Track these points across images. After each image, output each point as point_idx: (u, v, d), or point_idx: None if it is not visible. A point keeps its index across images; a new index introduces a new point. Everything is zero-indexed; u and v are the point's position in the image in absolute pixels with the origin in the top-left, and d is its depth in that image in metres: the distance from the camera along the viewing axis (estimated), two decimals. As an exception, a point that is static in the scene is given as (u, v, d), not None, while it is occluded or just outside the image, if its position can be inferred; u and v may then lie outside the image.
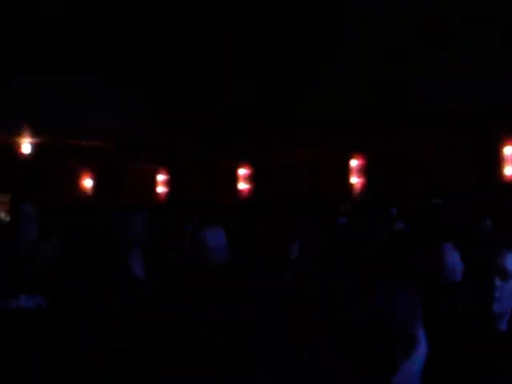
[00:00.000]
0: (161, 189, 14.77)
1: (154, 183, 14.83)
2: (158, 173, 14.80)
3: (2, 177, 13.80)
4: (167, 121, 13.67)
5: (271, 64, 12.70)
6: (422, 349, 2.69)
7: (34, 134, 13.59)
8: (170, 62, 13.32)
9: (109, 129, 13.64)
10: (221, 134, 13.28)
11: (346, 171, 13.28)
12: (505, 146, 11.98)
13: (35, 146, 14.01)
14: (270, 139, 13.05)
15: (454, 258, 3.54)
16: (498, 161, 12.09)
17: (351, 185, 13.29)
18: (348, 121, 12.34)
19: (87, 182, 15.01)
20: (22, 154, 13.94)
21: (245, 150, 13.52)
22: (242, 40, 12.84)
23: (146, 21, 12.92)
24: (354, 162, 13.18)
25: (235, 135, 13.15)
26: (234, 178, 13.80)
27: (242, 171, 13.71)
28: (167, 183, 14.71)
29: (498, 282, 3.26)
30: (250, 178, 13.63)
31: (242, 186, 13.67)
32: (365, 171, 13.21)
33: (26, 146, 13.90)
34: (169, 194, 14.63)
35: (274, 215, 6.57)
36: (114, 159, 14.92)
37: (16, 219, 6.62)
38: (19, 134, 13.59)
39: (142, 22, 12.88)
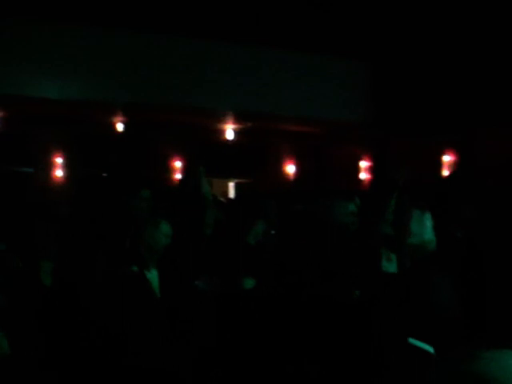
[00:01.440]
0: (364, 175, 14.32)
1: (356, 170, 14.40)
2: (362, 159, 14.35)
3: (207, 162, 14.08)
4: (387, 108, 13.12)
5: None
6: None
7: (238, 120, 13.70)
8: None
9: (322, 115, 13.34)
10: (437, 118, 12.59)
11: None
12: None
13: (239, 131, 14.13)
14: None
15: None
16: None
17: None
18: None
19: (290, 168, 14.97)
20: (226, 139, 14.13)
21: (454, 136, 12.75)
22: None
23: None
24: None
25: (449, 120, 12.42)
26: (439, 165, 13.06)
27: (447, 158, 12.97)
28: (370, 170, 14.23)
29: None
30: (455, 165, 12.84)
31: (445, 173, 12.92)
32: None
33: (229, 132, 14.05)
34: (372, 181, 14.16)
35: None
36: (321, 144, 14.71)
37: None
38: (223, 119, 13.75)
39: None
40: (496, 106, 11.76)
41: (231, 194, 16.80)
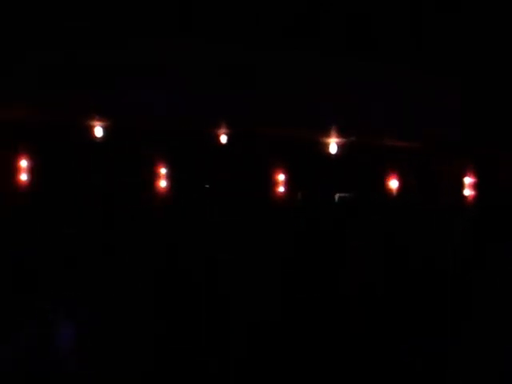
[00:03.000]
0: (467, 192, 14.10)
1: (460, 185, 14.18)
2: (466, 175, 14.13)
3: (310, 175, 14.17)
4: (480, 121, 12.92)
5: None
6: None
7: (340, 134, 13.69)
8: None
9: (421, 128, 13.19)
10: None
11: None
12: None
13: (342, 145, 14.12)
14: None
15: None
16: None
17: None
18: None
19: (392, 183, 14.86)
20: (329, 152, 14.13)
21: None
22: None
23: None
24: None
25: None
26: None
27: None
28: (474, 186, 14.00)
29: None
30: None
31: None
32: None
33: (332, 146, 14.05)
34: (477, 198, 13.94)
35: None
36: (424, 160, 14.56)
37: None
38: (327, 133, 13.77)
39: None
40: None
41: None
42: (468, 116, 13.05)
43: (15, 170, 12.89)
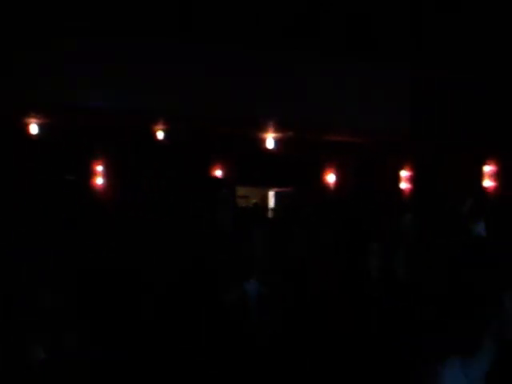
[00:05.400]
0: (404, 185, 14.29)
1: (398, 179, 14.36)
2: (402, 169, 14.32)
3: (247, 171, 14.13)
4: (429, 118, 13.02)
5: None
6: None
7: (278, 129, 13.71)
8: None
9: (361, 123, 13.26)
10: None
11: None
12: None
13: (280, 141, 14.14)
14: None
15: None
16: None
17: None
18: None
19: (331, 178, 14.95)
20: (267, 148, 14.14)
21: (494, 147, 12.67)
22: None
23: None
24: None
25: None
26: (479, 176, 12.99)
27: (487, 168, 12.91)
28: (411, 180, 14.19)
29: None
30: (495, 176, 12.76)
31: (488, 183, 12.86)
32: None
33: (270, 141, 14.06)
34: (412, 192, 14.13)
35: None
36: (362, 154, 14.67)
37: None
38: (264, 128, 13.77)
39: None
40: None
41: (271, 202, 16.84)
42: (412, 111, 13.19)
43: None
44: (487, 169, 13.26)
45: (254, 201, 14.66)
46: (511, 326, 2.51)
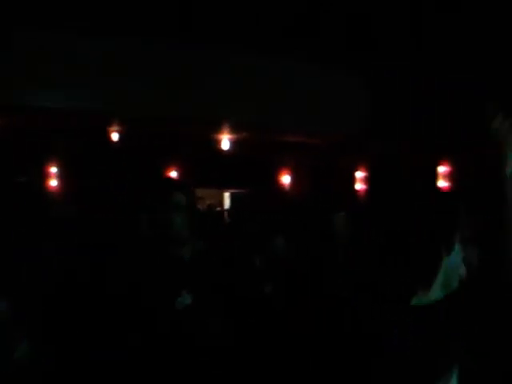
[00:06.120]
0: (359, 186, 14.36)
1: (352, 180, 14.43)
2: (357, 169, 14.39)
3: (202, 172, 14.08)
4: (384, 120, 13.07)
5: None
6: None
7: (233, 130, 13.66)
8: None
9: (317, 124, 13.25)
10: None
11: None
12: None
13: (235, 142, 14.10)
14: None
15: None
16: None
17: None
18: None
19: (285, 179, 14.98)
20: (222, 149, 14.08)
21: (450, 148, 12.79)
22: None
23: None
24: None
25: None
26: (434, 177, 13.11)
27: (442, 169, 13.05)
28: (366, 180, 14.26)
29: None
30: (450, 177, 12.90)
31: (442, 183, 12.98)
32: None
33: (225, 142, 14.01)
34: (367, 192, 14.21)
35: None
36: (318, 155, 14.71)
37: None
38: (219, 129, 13.72)
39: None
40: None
41: (226, 203, 16.82)
42: (367, 113, 13.23)
43: None
44: (441, 169, 13.40)
45: (209, 202, 14.64)
46: (456, 274, 2.67)
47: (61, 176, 13.79)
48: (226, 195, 17.00)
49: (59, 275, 5.54)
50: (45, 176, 13.75)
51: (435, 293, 2.67)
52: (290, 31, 12.32)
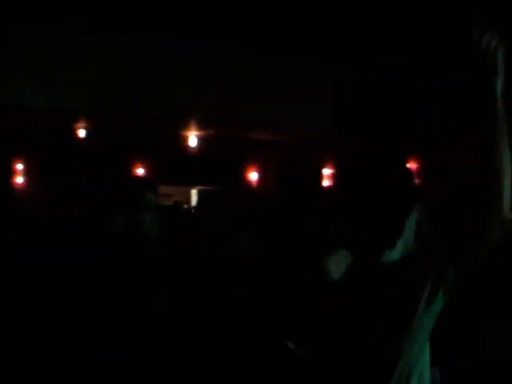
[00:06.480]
0: (327, 183, 14.42)
1: (320, 177, 14.48)
2: (325, 166, 14.44)
3: (169, 169, 14.06)
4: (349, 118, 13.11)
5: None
6: None
7: (201, 127, 13.65)
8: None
9: (284, 121, 13.25)
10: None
11: None
12: None
13: (202, 139, 14.09)
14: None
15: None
16: None
17: None
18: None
19: (253, 175, 15.00)
20: (189, 146, 14.06)
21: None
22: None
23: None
24: None
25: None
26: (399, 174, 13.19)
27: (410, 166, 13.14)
28: (333, 178, 14.32)
29: None
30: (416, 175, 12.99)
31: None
32: None
33: (192, 139, 14.00)
34: (335, 189, 14.25)
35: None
36: (285, 152, 14.74)
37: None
38: (186, 126, 13.69)
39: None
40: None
41: (193, 200, 16.80)
42: (334, 110, 13.28)
43: None
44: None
45: (175, 199, 14.61)
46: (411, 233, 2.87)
47: (29, 174, 13.70)
48: (194, 192, 16.98)
49: (28, 274, 5.52)
50: (13, 174, 13.65)
51: (398, 251, 2.83)
52: (256, 28, 12.32)
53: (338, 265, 2.93)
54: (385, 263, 2.81)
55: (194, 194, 17.10)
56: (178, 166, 14.10)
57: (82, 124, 13.17)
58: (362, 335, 2.71)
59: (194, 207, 15.16)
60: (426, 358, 2.81)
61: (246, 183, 15.27)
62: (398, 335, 2.68)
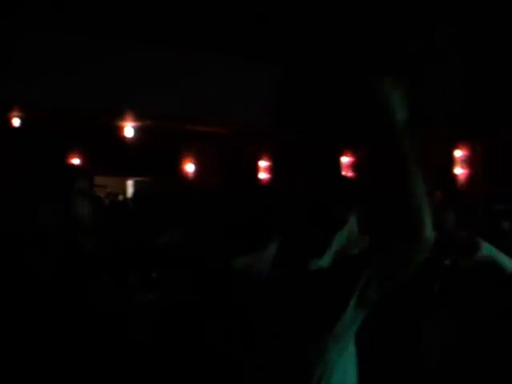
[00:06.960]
0: (263, 175, 14.50)
1: (256, 169, 14.55)
2: (261, 158, 14.51)
3: (105, 160, 13.95)
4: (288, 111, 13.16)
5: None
6: None
7: (137, 118, 13.57)
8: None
9: (221, 113, 13.27)
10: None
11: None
12: None
13: (139, 130, 14.01)
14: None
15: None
16: None
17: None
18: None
19: (189, 167, 15.00)
20: (125, 136, 13.96)
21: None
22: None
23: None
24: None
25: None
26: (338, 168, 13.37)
27: (345, 159, 13.32)
28: (270, 170, 14.41)
29: None
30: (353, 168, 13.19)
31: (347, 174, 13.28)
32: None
33: (128, 129, 13.90)
34: (271, 182, 14.36)
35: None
36: (222, 144, 14.76)
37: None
38: (122, 117, 13.60)
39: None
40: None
41: (129, 192, 16.70)
42: (271, 104, 13.32)
43: None
44: (345, 160, 13.62)
45: (109, 190, 14.47)
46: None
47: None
48: (130, 183, 16.88)
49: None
50: None
51: (327, 259, 2.78)
52: (194, 22, 12.31)
53: (262, 263, 2.93)
54: (312, 268, 2.78)
55: (130, 186, 17.00)
56: (113, 157, 14.00)
57: (17, 113, 13.01)
58: (283, 334, 2.73)
59: (130, 198, 15.06)
60: (350, 356, 2.83)
61: (183, 175, 15.23)
62: (321, 336, 2.70)
